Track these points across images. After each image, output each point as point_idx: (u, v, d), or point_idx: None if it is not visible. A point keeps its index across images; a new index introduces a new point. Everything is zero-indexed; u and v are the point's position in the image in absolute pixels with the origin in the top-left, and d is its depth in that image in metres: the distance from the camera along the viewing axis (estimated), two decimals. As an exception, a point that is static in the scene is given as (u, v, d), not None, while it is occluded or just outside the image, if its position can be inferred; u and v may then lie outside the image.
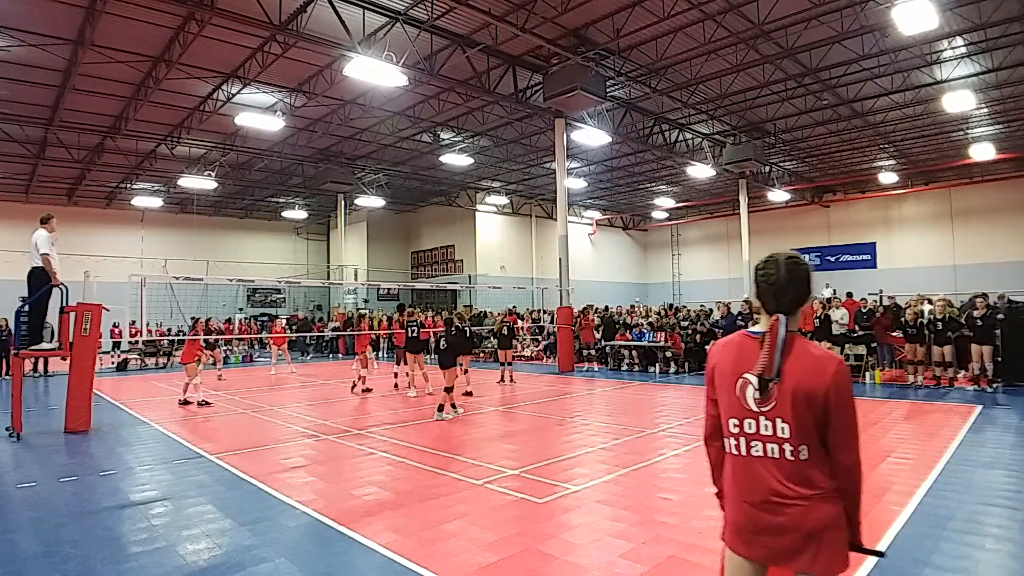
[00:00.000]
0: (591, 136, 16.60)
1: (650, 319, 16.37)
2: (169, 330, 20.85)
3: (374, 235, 30.94)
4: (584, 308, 18.59)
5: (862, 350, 12.55)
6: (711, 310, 15.94)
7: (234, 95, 15.64)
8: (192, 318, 11.40)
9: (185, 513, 4.88)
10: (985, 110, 17.51)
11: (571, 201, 27.14)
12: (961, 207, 24.71)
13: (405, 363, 12.64)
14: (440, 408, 9.03)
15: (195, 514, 4.84)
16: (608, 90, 14.44)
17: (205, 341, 13.60)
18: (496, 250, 28.67)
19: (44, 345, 8.86)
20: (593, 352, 16.89)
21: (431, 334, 13.95)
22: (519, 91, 14.97)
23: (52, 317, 8.83)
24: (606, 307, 20.11)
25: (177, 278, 13.72)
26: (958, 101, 14.71)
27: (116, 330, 19.84)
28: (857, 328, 12.92)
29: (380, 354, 20.19)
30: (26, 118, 16.72)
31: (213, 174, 21.37)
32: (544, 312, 20.40)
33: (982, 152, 19.62)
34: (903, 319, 11.53)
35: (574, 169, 23.52)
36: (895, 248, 26.56)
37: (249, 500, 5.21)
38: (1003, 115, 18.13)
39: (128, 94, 15.67)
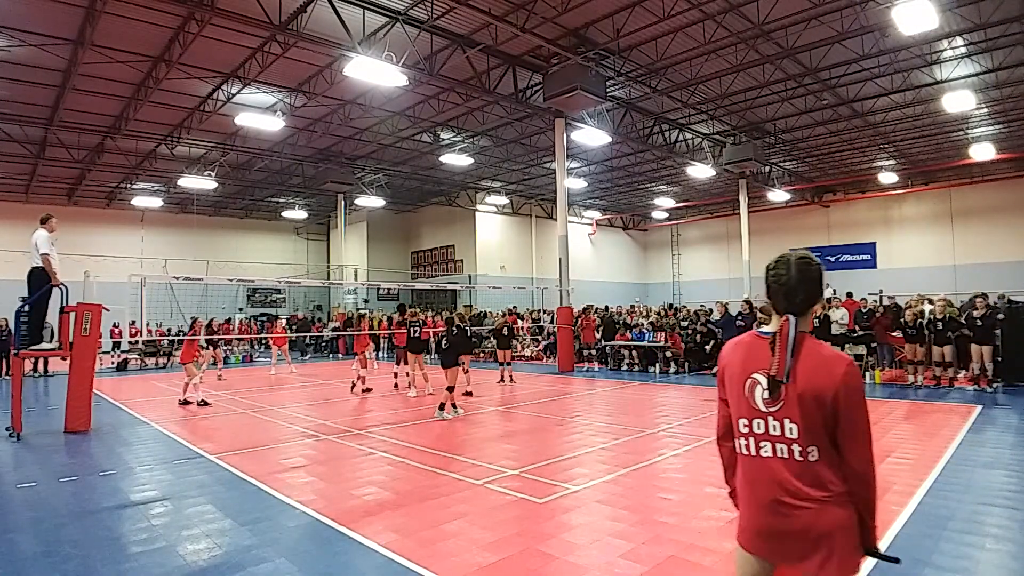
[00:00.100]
0: (591, 136, 16.60)
1: (650, 319, 16.38)
2: (169, 330, 20.85)
3: (374, 235, 30.95)
4: (585, 308, 18.59)
5: (862, 350, 12.55)
6: (710, 310, 15.93)
7: (234, 95, 15.64)
8: (192, 318, 11.38)
9: (185, 513, 4.88)
10: (985, 110, 17.51)
11: (571, 201, 27.16)
12: (961, 207, 24.71)
13: (405, 363, 12.65)
14: (441, 407, 9.05)
15: (195, 514, 4.84)
16: (608, 90, 14.44)
17: (206, 340, 13.62)
18: (496, 250, 28.67)
19: (44, 345, 8.87)
20: (593, 352, 16.89)
21: (431, 334, 13.97)
22: (519, 91, 14.97)
23: (52, 317, 8.83)
24: (606, 307, 20.10)
25: (177, 278, 13.73)
26: (958, 101, 14.71)
27: (116, 330, 19.85)
28: (857, 328, 12.92)
29: (380, 354, 20.19)
30: (26, 118, 16.72)
31: (213, 174, 21.37)
32: (544, 312, 20.40)
33: (982, 152, 19.62)
34: (903, 320, 11.53)
35: (574, 169, 23.52)
36: (895, 248, 26.56)
37: (249, 500, 5.21)
38: (1003, 115, 18.13)
39: (128, 94, 15.67)
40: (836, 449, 1.74)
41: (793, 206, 28.62)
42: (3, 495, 5.53)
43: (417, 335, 11.40)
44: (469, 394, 11.17)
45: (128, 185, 23.76)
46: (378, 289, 28.79)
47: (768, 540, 1.81)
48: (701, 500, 4.96)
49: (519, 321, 20.41)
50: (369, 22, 11.93)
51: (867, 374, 12.13)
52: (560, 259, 16.71)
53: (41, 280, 8.09)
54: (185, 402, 10.75)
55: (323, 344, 25.00)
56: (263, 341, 23.40)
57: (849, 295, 15.03)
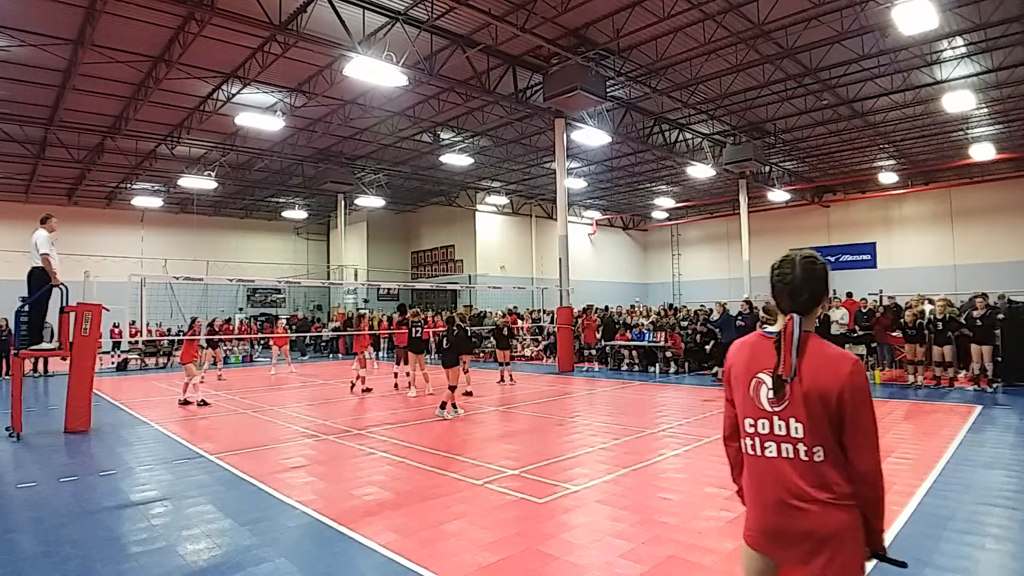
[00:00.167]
0: (591, 136, 16.60)
1: (650, 319, 16.38)
2: (169, 330, 20.84)
3: (374, 235, 30.95)
4: (585, 308, 18.60)
5: (862, 350, 12.55)
6: (710, 310, 15.93)
7: (234, 95, 15.64)
8: (191, 318, 11.38)
9: (185, 513, 4.88)
10: (985, 110, 17.51)
11: (571, 201, 27.15)
12: (961, 207, 24.71)
13: (405, 363, 12.66)
14: (443, 405, 9.08)
15: (195, 514, 4.84)
16: (608, 90, 14.44)
17: (207, 340, 13.61)
18: (496, 250, 28.67)
19: (44, 345, 8.87)
20: (594, 352, 16.90)
21: (430, 334, 13.97)
22: (519, 91, 14.97)
23: (52, 317, 8.83)
24: (606, 307, 20.10)
25: (177, 278, 13.73)
26: (958, 101, 14.71)
27: (116, 330, 19.85)
28: (857, 328, 12.92)
29: (380, 354, 20.19)
30: (26, 118, 16.72)
31: (213, 174, 21.37)
32: (544, 312, 20.40)
33: (982, 152, 19.62)
34: (903, 320, 11.54)
35: (574, 169, 23.52)
36: (895, 248, 26.56)
37: (249, 500, 5.21)
38: (1003, 115, 18.13)
39: (128, 94, 15.67)
40: (842, 451, 1.73)
41: (793, 206, 28.62)
42: (3, 495, 5.53)
43: (419, 335, 11.41)
44: (469, 394, 11.18)
45: (128, 185, 23.76)
46: (378, 289, 28.79)
47: (773, 540, 1.80)
48: (701, 500, 4.96)
49: (519, 321, 20.41)
50: (369, 22, 11.93)
51: (867, 374, 12.12)
52: (560, 259, 16.71)
53: (41, 280, 8.09)
54: (185, 402, 10.75)
55: (323, 344, 25.01)
56: (263, 341, 23.39)
57: (849, 295, 15.03)
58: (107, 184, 23.97)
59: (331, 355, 23.72)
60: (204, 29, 12.00)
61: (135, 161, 20.63)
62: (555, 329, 17.14)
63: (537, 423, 8.65)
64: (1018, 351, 10.98)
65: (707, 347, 14.34)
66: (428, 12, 11.78)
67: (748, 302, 13.05)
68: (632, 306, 19.98)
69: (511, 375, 13.46)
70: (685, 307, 19.75)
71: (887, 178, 24.31)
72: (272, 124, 15.99)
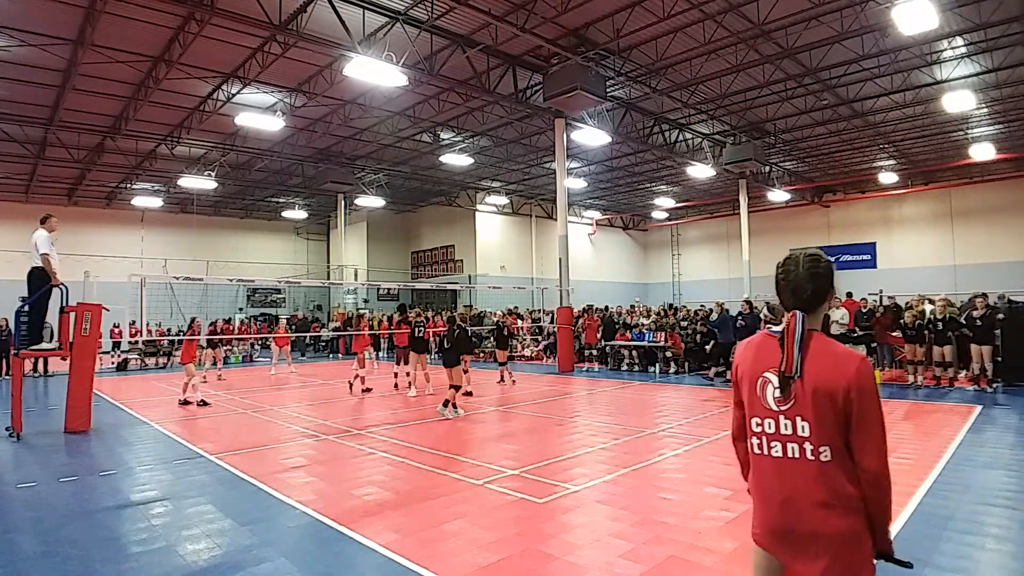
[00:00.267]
0: (591, 136, 16.59)
1: (651, 319, 16.37)
2: (169, 330, 20.85)
3: (374, 235, 30.95)
4: (586, 308, 18.59)
5: (862, 350, 12.55)
6: (710, 310, 15.92)
7: (234, 95, 15.64)
8: (191, 318, 11.39)
9: (185, 513, 4.88)
10: (985, 110, 17.50)
11: (571, 201, 27.14)
12: (961, 207, 24.71)
13: (405, 363, 12.66)
14: (445, 403, 9.13)
15: (195, 514, 4.84)
16: (608, 90, 14.44)
17: (207, 341, 13.62)
18: (496, 250, 28.67)
19: (44, 345, 8.87)
20: (594, 352, 16.89)
21: (430, 334, 13.97)
22: (519, 91, 14.97)
23: (52, 317, 8.84)
24: (606, 307, 20.10)
25: (177, 278, 13.73)
26: (958, 101, 14.70)
27: (116, 330, 19.84)
28: (857, 328, 12.92)
29: (380, 354, 20.19)
30: (26, 118, 16.71)
31: (213, 174, 21.37)
32: (544, 312, 20.40)
33: (982, 152, 19.61)
34: (903, 321, 11.53)
35: (574, 169, 23.51)
36: (895, 248, 26.56)
37: (249, 500, 5.21)
38: (1003, 115, 18.13)
39: (128, 94, 15.67)
40: (849, 452, 1.71)
41: (793, 206, 28.62)
42: (3, 495, 5.53)
43: (421, 335, 11.44)
44: (469, 394, 11.18)
45: (128, 185, 23.76)
46: (378, 289, 28.79)
47: (778, 539, 1.80)
48: (701, 500, 4.96)
49: (519, 321, 20.41)
50: (369, 22, 11.93)
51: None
52: (560, 259, 16.71)
53: (41, 280, 8.09)
54: (185, 402, 10.75)
55: (323, 344, 25.02)
56: (263, 341, 23.40)
57: (849, 295, 15.02)
58: (107, 184, 23.98)
59: (331, 355, 23.72)
60: (204, 29, 12.00)
61: (135, 161, 20.63)
62: (555, 329, 17.14)
63: (537, 423, 8.65)
64: (1018, 351, 10.98)
65: (707, 347, 14.34)
66: (428, 12, 11.78)
67: (748, 302, 13.06)
68: (632, 306, 19.99)
69: (511, 375, 13.45)
70: (685, 307, 19.75)
71: (887, 178, 24.31)
72: (272, 124, 15.99)
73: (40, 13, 11.46)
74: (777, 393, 1.79)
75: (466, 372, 11.34)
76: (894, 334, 12.27)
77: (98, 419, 9.05)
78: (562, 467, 6.09)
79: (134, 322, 17.36)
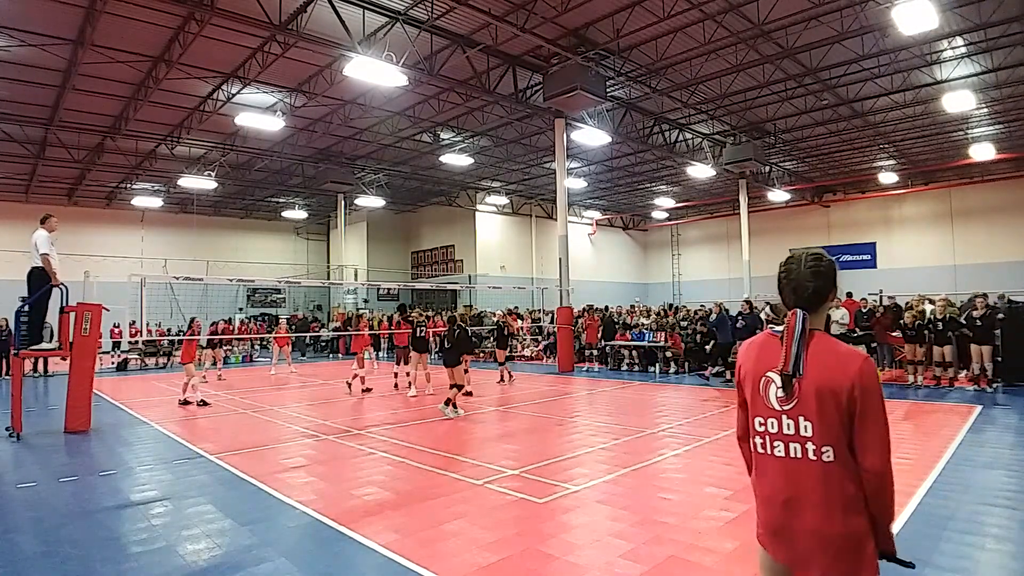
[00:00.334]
0: (591, 136, 16.59)
1: (651, 319, 16.36)
2: (169, 330, 20.85)
3: (374, 235, 30.95)
4: (587, 308, 18.57)
5: (862, 350, 12.53)
6: (709, 311, 15.92)
7: (234, 95, 15.64)
8: (190, 318, 11.39)
9: (185, 513, 4.88)
10: (985, 110, 17.50)
11: (571, 201, 27.14)
12: (961, 207, 24.71)
13: (405, 363, 12.67)
14: (447, 402, 9.17)
15: (195, 514, 4.84)
16: (608, 90, 14.44)
17: (207, 341, 13.62)
18: (496, 250, 28.67)
19: (44, 345, 8.87)
20: (595, 352, 16.89)
21: (430, 334, 13.98)
22: (519, 91, 14.97)
23: (52, 317, 8.84)
24: (606, 307, 20.10)
25: (177, 278, 13.74)
26: (958, 101, 14.70)
27: (116, 330, 19.84)
28: (857, 328, 12.92)
29: (380, 354, 20.19)
30: (26, 118, 16.71)
31: (213, 174, 21.37)
32: (544, 312, 20.39)
33: (982, 152, 19.61)
34: (903, 321, 11.53)
35: (574, 169, 23.51)
36: (895, 248, 26.56)
37: (249, 500, 5.21)
38: (1003, 115, 18.13)
39: (128, 94, 15.67)
40: (852, 454, 1.70)
41: (793, 206, 28.62)
42: (3, 495, 5.53)
43: (422, 334, 11.46)
44: (469, 394, 11.18)
45: (128, 185, 23.76)
46: (378, 289, 28.79)
47: (781, 540, 1.79)
48: (701, 500, 4.96)
49: (518, 321, 20.41)
50: (369, 22, 11.93)
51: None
52: (560, 259, 16.71)
53: (41, 280, 8.09)
54: (185, 402, 10.75)
55: (323, 344, 25.02)
56: (262, 341, 23.40)
57: (849, 295, 15.01)
58: (107, 184, 23.98)
59: (331, 355, 23.72)
60: (204, 29, 12.00)
61: (135, 161, 20.64)
62: (555, 329, 17.14)
63: (537, 423, 8.65)
64: (1018, 351, 10.98)
65: (707, 347, 14.34)
66: (428, 12, 11.78)
67: (748, 302, 13.05)
68: (632, 306, 19.99)
69: (510, 374, 13.45)
70: (685, 307, 19.74)
71: (887, 178, 24.31)
72: (272, 124, 15.99)
73: (40, 13, 11.46)
74: (780, 393, 1.79)
75: (466, 372, 11.35)
76: (894, 334, 12.27)
77: (98, 419, 9.05)
78: (562, 467, 6.09)
79: (134, 322, 17.36)
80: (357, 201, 25.53)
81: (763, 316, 12.92)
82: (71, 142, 18.43)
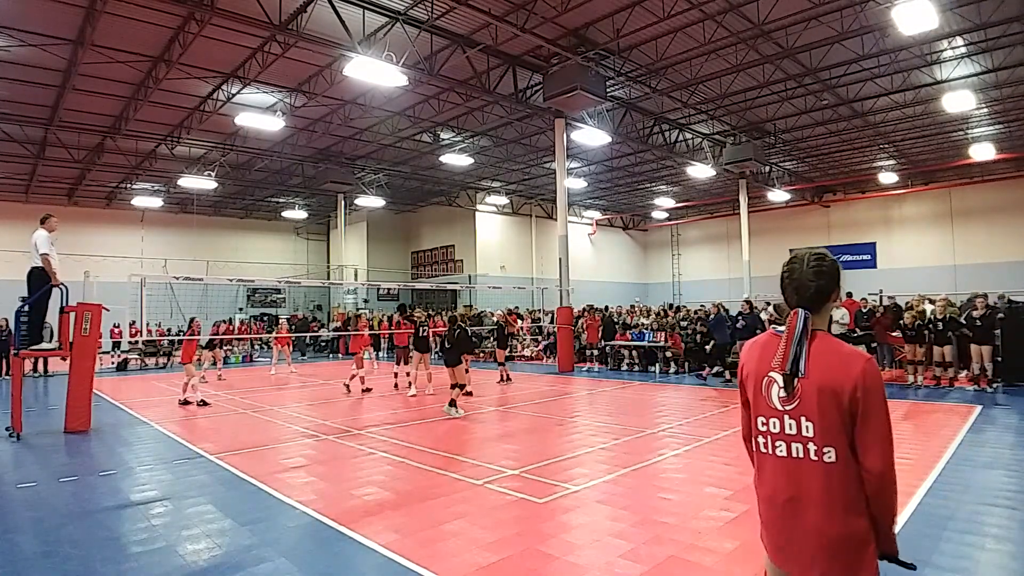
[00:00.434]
0: (591, 136, 16.59)
1: (651, 319, 16.36)
2: (169, 330, 20.86)
3: (374, 235, 30.95)
4: (588, 308, 18.56)
5: (862, 350, 12.53)
6: (708, 312, 15.91)
7: (234, 95, 15.64)
8: (190, 318, 11.39)
9: (185, 513, 4.88)
10: (985, 110, 17.51)
11: (571, 201, 27.15)
12: (961, 207, 24.71)
13: (405, 363, 12.68)
14: (451, 403, 9.18)
15: (195, 514, 4.84)
16: (608, 90, 14.44)
17: (208, 341, 13.61)
18: (496, 250, 28.67)
19: (44, 345, 8.87)
20: (595, 352, 16.89)
21: (430, 334, 13.99)
22: (519, 91, 14.97)
23: (52, 317, 8.84)
24: (605, 307, 20.10)
25: (177, 278, 13.74)
26: (958, 101, 14.70)
27: (116, 330, 19.85)
28: (857, 328, 12.92)
29: (380, 354, 20.19)
30: (26, 118, 16.71)
31: (213, 174, 21.37)
32: (544, 312, 20.39)
33: (982, 152, 19.62)
34: (902, 321, 11.53)
35: (574, 169, 23.51)
36: (895, 248, 26.56)
37: (249, 500, 5.21)
38: (1003, 115, 18.13)
39: (128, 94, 15.67)
40: (854, 454, 1.69)
41: (793, 206, 28.62)
42: (3, 495, 5.52)
43: (425, 334, 11.48)
44: (469, 394, 11.18)
45: (128, 185, 23.76)
46: (378, 289, 28.79)
47: (782, 542, 1.78)
48: (701, 500, 4.96)
49: (518, 321, 20.40)
50: (369, 22, 11.93)
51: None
52: (560, 259, 16.71)
53: (41, 280, 8.09)
54: (185, 402, 10.75)
55: (323, 344, 25.02)
56: (263, 341, 23.40)
57: (849, 295, 15.01)
58: (107, 184, 23.98)
59: (331, 355, 23.72)
60: (204, 29, 12.00)
61: (135, 161, 20.64)
62: (555, 329, 17.14)
63: (537, 423, 8.65)
64: (1018, 351, 10.98)
65: (707, 347, 14.33)
66: (428, 12, 11.78)
67: (748, 302, 13.04)
68: (632, 306, 19.99)
69: (508, 374, 13.45)
70: (685, 307, 19.75)
71: (887, 178, 24.31)
72: (272, 124, 15.99)
73: (40, 13, 11.46)
74: (782, 393, 1.78)
75: (467, 371, 11.36)
76: (894, 334, 12.27)
77: (98, 419, 9.05)
78: (562, 467, 6.09)
79: (134, 322, 17.35)
80: (357, 201, 25.53)
81: (764, 316, 12.92)
82: (71, 142, 18.43)
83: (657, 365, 15.02)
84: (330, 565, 3.82)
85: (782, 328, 1.84)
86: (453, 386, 9.44)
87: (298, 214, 29.36)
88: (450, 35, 12.95)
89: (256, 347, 23.31)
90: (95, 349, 9.15)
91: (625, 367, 15.97)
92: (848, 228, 27.95)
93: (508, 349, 15.45)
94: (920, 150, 22.06)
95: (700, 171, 20.78)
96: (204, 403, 10.65)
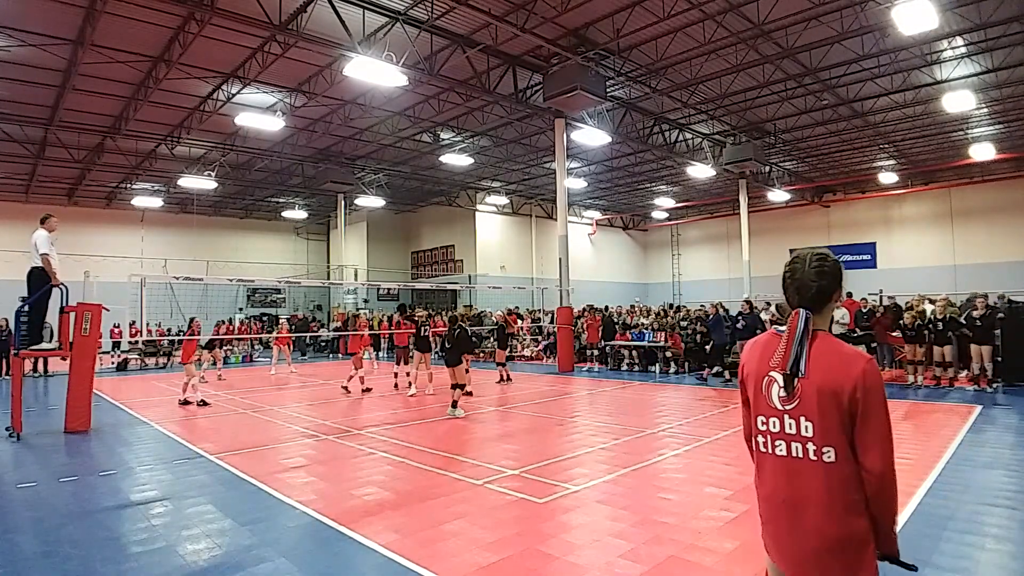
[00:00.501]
0: (591, 136, 16.59)
1: (651, 319, 16.35)
2: (169, 330, 20.86)
3: (374, 235, 30.95)
4: (588, 308, 18.57)
5: (862, 350, 12.53)
6: (707, 313, 15.90)
7: (234, 95, 15.64)
8: (190, 318, 11.39)
9: (185, 513, 4.88)
10: (985, 110, 17.51)
11: (571, 201, 27.15)
12: (961, 207, 24.71)
13: (405, 363, 12.68)
14: (454, 404, 9.21)
15: (195, 514, 4.84)
16: (608, 90, 14.44)
17: (208, 342, 13.61)
18: (496, 250, 28.67)
19: (44, 345, 8.87)
20: (595, 352, 16.88)
21: (431, 334, 14.00)
22: (519, 91, 14.97)
23: (52, 317, 8.84)
24: (605, 307, 20.10)
25: (177, 278, 13.73)
26: (958, 101, 14.70)
27: (116, 330, 19.85)
28: (857, 328, 12.92)
29: (380, 354, 20.19)
30: (26, 118, 16.71)
31: (213, 174, 21.37)
32: (544, 312, 20.39)
33: (982, 152, 19.61)
34: (902, 321, 11.53)
35: (574, 169, 23.51)
36: (895, 248, 26.57)
37: (249, 500, 5.21)
38: (1003, 115, 18.13)
39: (128, 94, 15.67)
40: (854, 454, 1.69)
41: (793, 206, 28.62)
42: (3, 495, 5.52)
43: (426, 334, 11.48)
44: (469, 394, 11.17)
45: (128, 185, 23.76)
46: (378, 289, 28.79)
47: (781, 541, 1.79)
48: (701, 500, 4.96)
49: (518, 321, 20.41)
50: (369, 22, 11.93)
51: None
52: (560, 259, 16.71)
53: (41, 280, 8.09)
54: (185, 402, 10.75)
55: (323, 344, 25.03)
56: (262, 340, 23.41)
57: (849, 295, 15.00)
58: (107, 184, 23.98)
59: (331, 355, 23.72)
60: (204, 29, 12.00)
61: (135, 161, 20.63)
62: (555, 329, 17.13)
63: (537, 423, 8.65)
64: (1018, 351, 10.98)
65: (707, 347, 14.33)
66: (428, 12, 11.78)
67: (748, 302, 13.05)
68: (632, 306, 19.99)
69: (507, 374, 13.45)
70: (685, 307, 19.75)
71: (887, 178, 24.31)
72: (272, 124, 15.99)
73: (40, 13, 11.46)
74: (782, 392, 1.79)
75: (467, 372, 11.36)
76: (894, 334, 12.27)
77: (98, 419, 9.05)
78: (562, 467, 6.09)
79: (134, 322, 17.35)
80: (357, 201, 25.52)
81: (764, 316, 12.92)
82: (71, 142, 18.43)
83: (657, 365, 15.02)
84: (330, 565, 3.82)
85: (783, 328, 1.84)
86: (453, 386, 9.44)
87: (298, 214, 29.36)
88: (450, 35, 12.95)
89: (255, 347, 23.29)
90: (95, 349, 9.15)
91: (625, 367, 15.97)
92: (848, 228, 27.95)
93: (508, 349, 15.44)
94: (920, 150, 22.06)
95: (700, 171, 20.78)
96: (204, 403, 10.65)
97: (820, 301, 1.82)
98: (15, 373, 8.20)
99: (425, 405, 10.33)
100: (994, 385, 10.60)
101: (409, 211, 31.57)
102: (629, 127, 18.44)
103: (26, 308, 8.27)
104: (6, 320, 15.19)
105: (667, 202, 30.27)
